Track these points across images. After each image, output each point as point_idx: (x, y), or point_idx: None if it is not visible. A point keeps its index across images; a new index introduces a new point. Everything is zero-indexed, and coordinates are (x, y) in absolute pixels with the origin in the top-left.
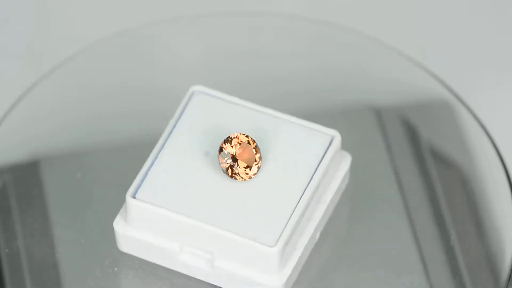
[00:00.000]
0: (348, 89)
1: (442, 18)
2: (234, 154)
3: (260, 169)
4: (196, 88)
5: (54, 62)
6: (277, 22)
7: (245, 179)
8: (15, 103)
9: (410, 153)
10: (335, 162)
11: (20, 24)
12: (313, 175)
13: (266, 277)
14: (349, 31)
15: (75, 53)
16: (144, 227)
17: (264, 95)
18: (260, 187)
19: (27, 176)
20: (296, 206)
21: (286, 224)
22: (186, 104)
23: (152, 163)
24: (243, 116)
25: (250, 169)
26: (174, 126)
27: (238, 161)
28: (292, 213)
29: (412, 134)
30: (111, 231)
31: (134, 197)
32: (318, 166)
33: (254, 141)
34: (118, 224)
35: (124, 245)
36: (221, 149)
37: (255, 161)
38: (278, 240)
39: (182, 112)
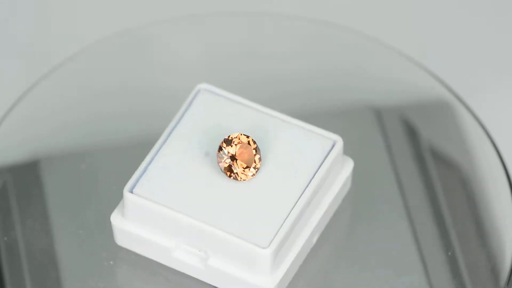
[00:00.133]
0: (348, 89)
1: (442, 18)
2: (234, 154)
3: (259, 170)
4: (202, 86)
5: (54, 62)
6: (277, 22)
7: (243, 180)
8: (15, 103)
9: (410, 153)
10: (336, 167)
11: (20, 24)
12: (312, 179)
13: (258, 279)
14: (349, 31)
15: (75, 53)
16: (140, 222)
17: (264, 95)
18: (258, 188)
19: (27, 176)
20: (292, 209)
21: (281, 227)
22: (191, 102)
23: (152, 159)
24: (246, 117)
25: (249, 170)
26: (177, 124)
27: (237, 161)
28: (288, 215)
29: (412, 134)
30: (110, 225)
31: (131, 191)
32: (317, 170)
33: (254, 142)
34: (115, 218)
35: (121, 239)
36: (220, 148)
37: (254, 162)
38: (271, 242)
39: (186, 110)
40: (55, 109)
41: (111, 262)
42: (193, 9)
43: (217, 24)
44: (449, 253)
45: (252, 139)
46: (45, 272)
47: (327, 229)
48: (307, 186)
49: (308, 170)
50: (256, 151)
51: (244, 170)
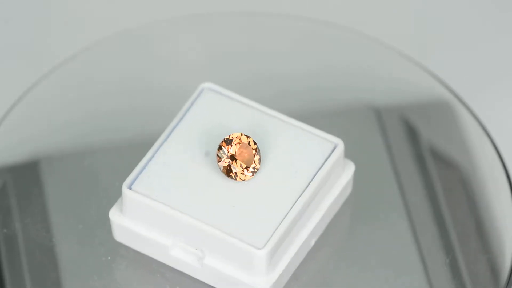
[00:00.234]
0: (348, 89)
1: (442, 18)
2: (234, 153)
3: (258, 171)
4: (206, 85)
5: (54, 62)
6: (277, 22)
7: (242, 180)
8: (15, 103)
9: (410, 153)
10: (337, 170)
11: (20, 24)
12: (311, 181)
13: (253, 279)
14: (349, 31)
15: (75, 53)
16: (138, 218)
17: (264, 95)
18: (256, 189)
19: (27, 176)
20: (290, 210)
21: (277, 228)
22: (194, 101)
23: (152, 156)
24: (249, 117)
25: (248, 170)
26: (179, 122)
27: (237, 161)
28: (285, 217)
29: (412, 134)
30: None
31: (130, 188)
32: (317, 173)
33: (255, 143)
34: (114, 214)
35: (119, 235)
36: (220, 148)
37: (254, 162)
38: (267, 243)
39: (188, 109)
40: (55, 109)
41: (109, 258)
42: (193, 9)
43: (217, 24)
44: (448, 260)
45: (253, 140)
46: (45, 272)
47: (327, 229)
48: (306, 188)
49: (307, 173)
50: (256, 152)
51: (243, 171)
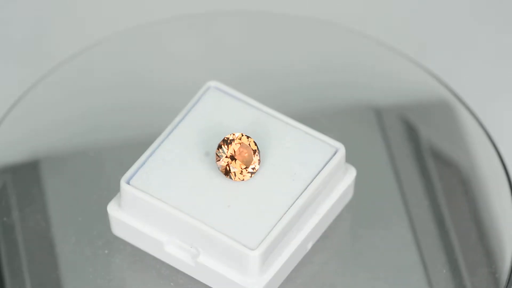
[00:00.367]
0: (348, 88)
1: (442, 18)
2: (233, 153)
3: (258, 172)
4: (212, 83)
5: (54, 62)
6: (277, 22)
7: (240, 180)
8: (15, 103)
9: (410, 153)
10: (337, 175)
11: (20, 24)
12: (309, 184)
13: (246, 280)
14: (349, 31)
15: (75, 53)
16: (135, 213)
17: (264, 95)
18: (254, 190)
19: (27, 176)
20: (286, 213)
21: (272, 230)
22: (198, 99)
23: (152, 152)
24: (252, 118)
25: (246, 171)
26: (182, 119)
27: (236, 160)
28: (280, 219)
29: (412, 134)
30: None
31: (128, 183)
32: (316, 176)
33: (255, 144)
34: (112, 208)
35: (117, 229)
36: (219, 147)
37: (253, 163)
38: (260, 244)
39: (192, 107)
40: (55, 109)
41: (106, 251)
42: (193, 9)
43: (217, 24)
44: (447, 260)
45: (254, 141)
46: (45, 273)
47: (325, 232)
48: (303, 192)
49: (306, 176)
50: (256, 153)
51: (242, 171)
